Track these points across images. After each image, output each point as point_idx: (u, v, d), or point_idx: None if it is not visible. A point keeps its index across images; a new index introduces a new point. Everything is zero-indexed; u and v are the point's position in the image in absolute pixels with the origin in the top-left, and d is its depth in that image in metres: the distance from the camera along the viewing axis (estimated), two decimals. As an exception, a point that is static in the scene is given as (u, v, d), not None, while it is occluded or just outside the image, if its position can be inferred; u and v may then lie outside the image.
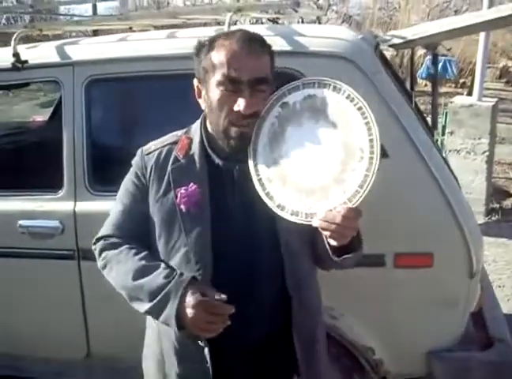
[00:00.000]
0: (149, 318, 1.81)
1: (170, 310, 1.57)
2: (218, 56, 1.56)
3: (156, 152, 1.74)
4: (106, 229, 1.79)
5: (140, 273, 1.64)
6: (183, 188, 1.66)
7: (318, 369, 1.83)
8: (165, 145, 1.74)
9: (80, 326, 2.69)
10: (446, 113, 6.54)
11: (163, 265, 1.66)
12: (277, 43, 2.34)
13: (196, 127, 1.74)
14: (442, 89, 13.79)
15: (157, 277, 1.62)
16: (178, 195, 1.66)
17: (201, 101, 1.68)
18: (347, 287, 2.30)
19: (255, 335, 1.72)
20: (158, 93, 2.58)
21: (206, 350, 1.67)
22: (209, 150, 1.69)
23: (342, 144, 1.53)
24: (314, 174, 1.54)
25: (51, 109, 4.55)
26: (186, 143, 1.72)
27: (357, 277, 2.29)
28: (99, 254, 1.77)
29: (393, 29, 13.36)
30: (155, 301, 1.59)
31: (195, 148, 1.70)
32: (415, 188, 2.31)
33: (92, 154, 2.56)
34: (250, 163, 1.61)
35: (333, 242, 1.52)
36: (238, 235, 1.66)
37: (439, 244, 2.33)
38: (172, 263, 1.68)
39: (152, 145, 1.77)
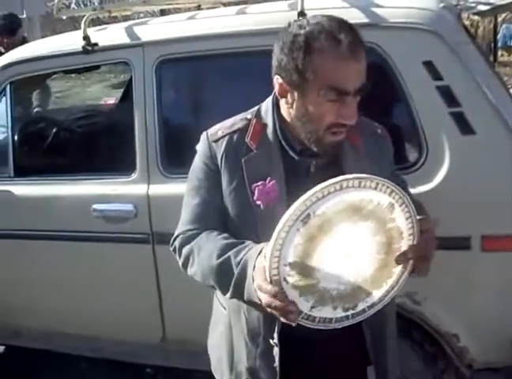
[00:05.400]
0: (220, 309, 1.76)
1: (249, 285, 1.44)
2: (321, 62, 1.40)
3: (225, 140, 1.60)
4: (184, 223, 1.68)
5: (224, 250, 1.52)
6: (261, 183, 1.54)
7: (389, 359, 1.76)
8: (235, 131, 1.61)
9: (156, 310, 2.68)
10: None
11: (249, 241, 1.53)
12: (354, 15, 2.24)
13: (267, 110, 1.61)
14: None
15: (242, 249, 1.49)
16: (256, 191, 1.54)
17: (284, 101, 1.53)
18: (430, 271, 2.19)
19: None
20: (230, 72, 2.51)
21: (276, 349, 1.60)
22: (283, 142, 1.57)
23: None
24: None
25: (122, 91, 4.58)
26: (258, 129, 1.59)
27: (441, 260, 2.17)
28: (179, 252, 1.66)
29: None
30: (236, 271, 1.47)
31: (269, 137, 1.57)
32: (505, 165, 2.16)
33: (164, 136, 2.53)
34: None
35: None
36: None
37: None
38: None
39: (218, 131, 1.63)
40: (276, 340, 1.60)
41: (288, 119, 1.55)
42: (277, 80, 1.50)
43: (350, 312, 1.46)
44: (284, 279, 1.35)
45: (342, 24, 1.45)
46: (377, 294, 1.46)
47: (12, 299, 3.00)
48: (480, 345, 2.34)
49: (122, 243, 2.63)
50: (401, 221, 1.38)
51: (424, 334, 2.36)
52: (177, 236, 1.69)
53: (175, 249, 1.70)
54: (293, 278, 1.36)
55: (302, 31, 1.43)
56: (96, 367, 3.21)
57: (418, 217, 1.41)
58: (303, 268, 1.36)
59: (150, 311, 2.69)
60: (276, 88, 1.52)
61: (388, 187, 1.32)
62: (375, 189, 1.31)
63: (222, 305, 1.74)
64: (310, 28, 1.43)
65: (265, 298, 1.37)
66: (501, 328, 2.31)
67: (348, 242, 1.36)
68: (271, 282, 1.34)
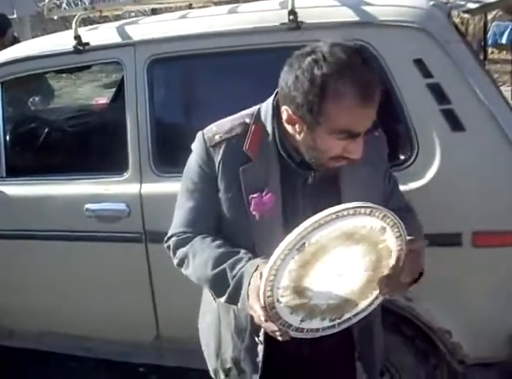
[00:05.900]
0: (210, 299, 1.78)
1: (244, 299, 1.46)
2: (337, 110, 1.38)
3: (223, 146, 1.57)
4: (177, 226, 1.67)
5: (219, 261, 1.53)
6: (257, 194, 1.54)
7: (374, 351, 1.80)
8: (233, 136, 1.57)
9: (149, 309, 2.68)
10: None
11: (243, 250, 1.55)
12: (344, 13, 2.26)
13: (266, 116, 1.57)
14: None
15: (237, 262, 1.51)
16: (252, 202, 1.54)
17: (291, 128, 1.50)
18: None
19: None
20: (222, 71, 2.51)
21: (260, 347, 1.63)
22: (283, 153, 1.56)
23: None
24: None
25: (113, 90, 4.57)
26: (257, 137, 1.56)
27: (432, 257, 2.18)
28: (174, 252, 1.67)
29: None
30: (232, 284, 1.49)
31: (268, 147, 1.55)
32: (495, 161, 2.17)
33: (156, 135, 2.52)
34: None
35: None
36: None
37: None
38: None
39: (216, 135, 1.59)
40: (261, 338, 1.62)
41: (291, 132, 1.53)
42: (287, 111, 1.47)
43: (336, 321, 1.50)
44: (277, 300, 1.38)
45: (362, 62, 1.39)
46: (362, 304, 1.50)
47: (4, 299, 3.00)
48: (472, 341, 2.35)
49: (115, 242, 2.63)
50: (391, 241, 1.40)
51: (416, 330, 2.37)
52: (171, 236, 1.69)
53: (169, 248, 1.70)
54: (286, 298, 1.39)
55: (319, 73, 1.37)
56: (89, 367, 3.20)
57: (408, 238, 1.42)
58: (296, 290, 1.39)
59: (144, 310, 2.69)
60: (285, 117, 1.49)
61: (381, 212, 1.34)
62: (369, 214, 1.33)
63: (213, 295, 1.74)
64: (327, 69, 1.37)
65: (255, 318, 1.42)
66: (493, 324, 2.32)
67: (340, 264, 1.38)
68: (265, 304, 1.36)
